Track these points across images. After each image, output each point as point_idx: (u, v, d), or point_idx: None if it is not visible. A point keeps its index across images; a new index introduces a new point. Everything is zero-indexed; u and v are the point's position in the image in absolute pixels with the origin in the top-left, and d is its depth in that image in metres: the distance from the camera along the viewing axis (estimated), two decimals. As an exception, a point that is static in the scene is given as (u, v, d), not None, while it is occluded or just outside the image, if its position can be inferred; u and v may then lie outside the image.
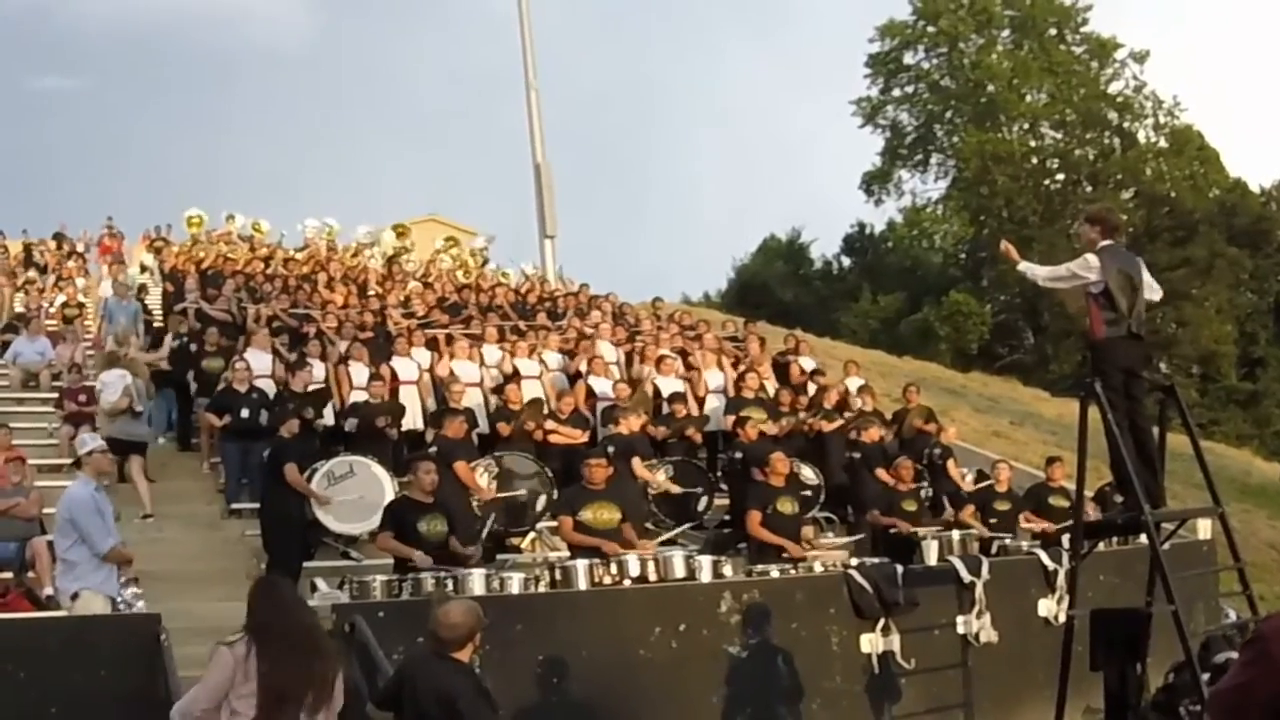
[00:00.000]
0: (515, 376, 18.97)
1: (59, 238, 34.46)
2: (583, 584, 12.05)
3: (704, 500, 17.64)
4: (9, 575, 13.57)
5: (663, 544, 14.94)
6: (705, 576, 12.69)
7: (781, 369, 21.79)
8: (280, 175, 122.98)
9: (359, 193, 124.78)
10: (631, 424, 16.70)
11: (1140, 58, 63.93)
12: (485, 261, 35.70)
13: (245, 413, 16.82)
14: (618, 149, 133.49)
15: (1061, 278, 10.78)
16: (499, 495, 15.86)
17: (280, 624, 7.10)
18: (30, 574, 13.50)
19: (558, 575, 12.25)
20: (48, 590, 12.96)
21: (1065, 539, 14.50)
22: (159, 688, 9.64)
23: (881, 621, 13.13)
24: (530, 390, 18.77)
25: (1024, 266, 11.17)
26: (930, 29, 64.99)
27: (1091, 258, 10.36)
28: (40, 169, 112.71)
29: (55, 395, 19.74)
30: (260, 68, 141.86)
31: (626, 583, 12.17)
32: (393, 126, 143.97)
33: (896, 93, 67.01)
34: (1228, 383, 56.85)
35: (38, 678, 9.63)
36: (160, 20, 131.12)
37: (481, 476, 15.74)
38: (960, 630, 13.79)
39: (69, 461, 17.78)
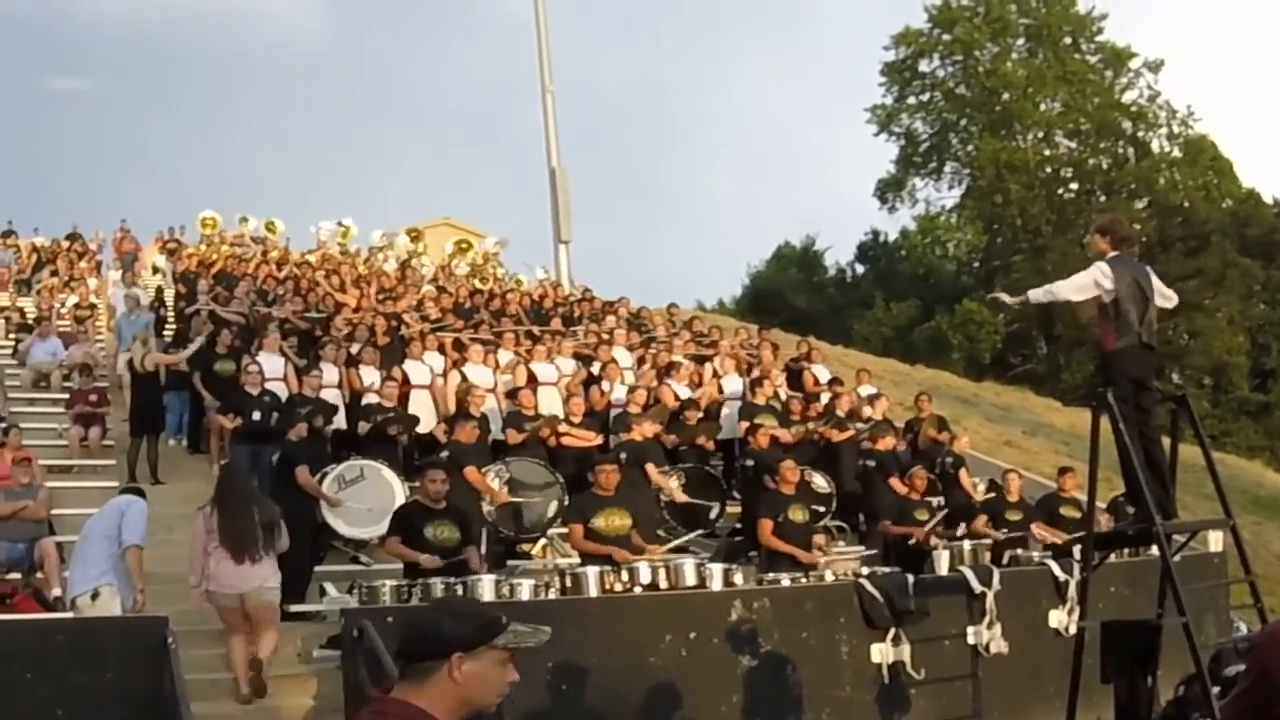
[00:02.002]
0: (531, 382, 18.94)
1: (72, 238, 34.52)
2: (593, 591, 12.00)
3: (716, 508, 17.62)
4: (17, 576, 13.59)
5: (672, 551, 14.91)
6: (716, 585, 12.65)
7: (794, 376, 21.78)
8: (294, 177, 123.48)
9: (373, 196, 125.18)
10: (644, 430, 16.67)
11: (1154, 67, 64.01)
12: (499, 266, 35.61)
13: (256, 415, 16.77)
14: (633, 155, 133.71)
15: (1085, 287, 10.65)
16: (511, 500, 15.86)
17: (231, 496, 11.84)
18: (39, 575, 13.53)
19: (568, 582, 12.21)
20: (55, 591, 13.01)
21: (1076, 549, 14.47)
22: (165, 690, 9.64)
23: (892, 631, 13.09)
24: (547, 396, 18.76)
25: (1033, 293, 11.05)
26: (945, 37, 65.02)
27: (1104, 267, 10.30)
28: (55, 170, 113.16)
29: (66, 396, 19.78)
30: (275, 70, 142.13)
31: (637, 590, 12.12)
32: (407, 130, 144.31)
33: (911, 101, 67.02)
34: (1239, 394, 56.70)
35: (44, 679, 9.63)
36: (176, 22, 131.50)
37: (492, 482, 15.72)
38: (971, 640, 13.74)
39: (79, 462, 17.98)
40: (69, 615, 11.48)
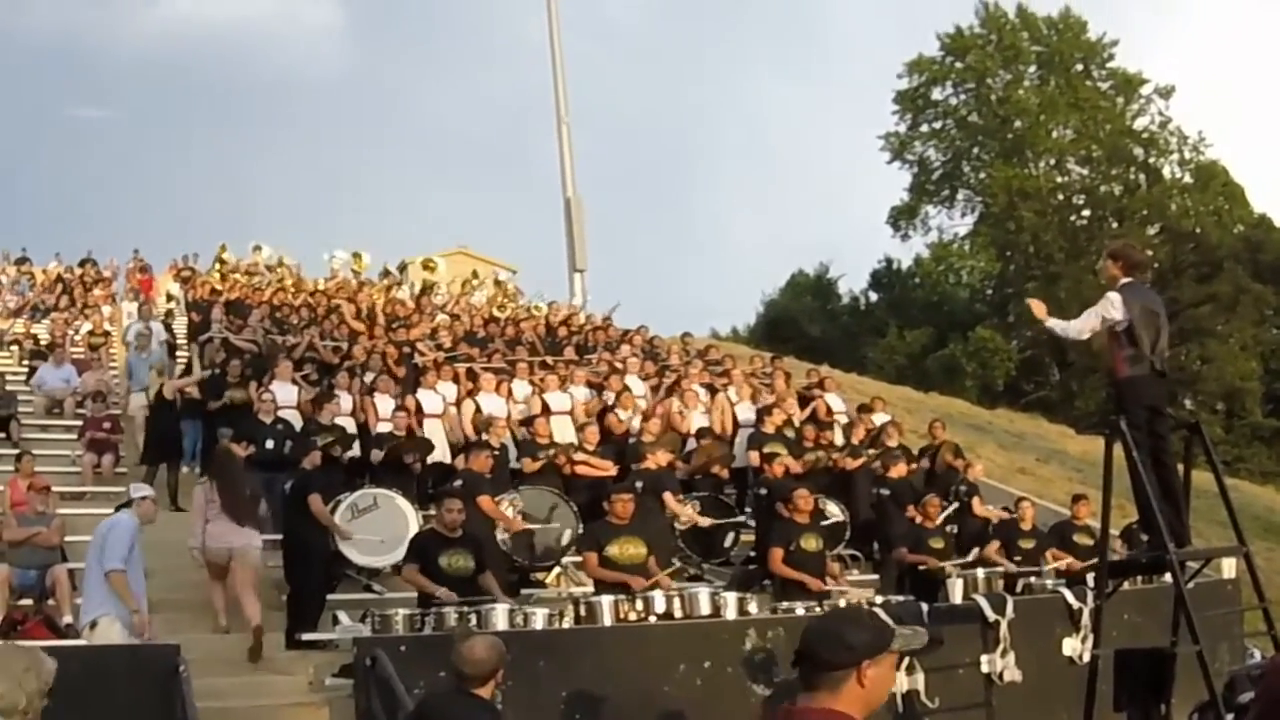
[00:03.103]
0: (545, 411, 18.93)
1: (86, 263, 34.62)
2: (607, 620, 11.99)
3: (731, 536, 17.58)
4: (29, 603, 13.60)
5: (690, 579, 14.88)
6: (730, 613, 12.63)
7: (807, 404, 21.73)
8: (310, 206, 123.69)
9: (389, 224, 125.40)
10: (659, 459, 16.66)
11: (1165, 93, 64.22)
12: (518, 295, 35.63)
13: (270, 443, 16.80)
14: (649, 182, 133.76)
15: (1091, 326, 10.70)
16: (526, 526, 15.83)
17: (224, 474, 14.13)
18: (50, 601, 13.54)
19: (582, 611, 12.19)
20: (67, 618, 13.01)
21: (1090, 577, 14.44)
22: (177, 718, 9.62)
23: (906, 660, 13.05)
24: (560, 425, 18.74)
25: (1051, 323, 11.09)
26: (958, 65, 65.23)
27: (1114, 296, 10.32)
28: (73, 197, 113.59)
29: (79, 423, 19.79)
30: (292, 98, 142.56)
31: (652, 619, 12.10)
32: (424, 159, 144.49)
33: (924, 128, 67.20)
34: (1252, 419, 56.65)
35: (55, 707, 9.56)
36: (194, 51, 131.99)
37: (506, 510, 15.70)
38: (984, 669, 13.69)
39: (91, 489, 17.98)
40: (80, 643, 11.48)
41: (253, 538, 13.71)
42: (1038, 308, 11.24)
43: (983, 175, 65.62)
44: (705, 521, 17.16)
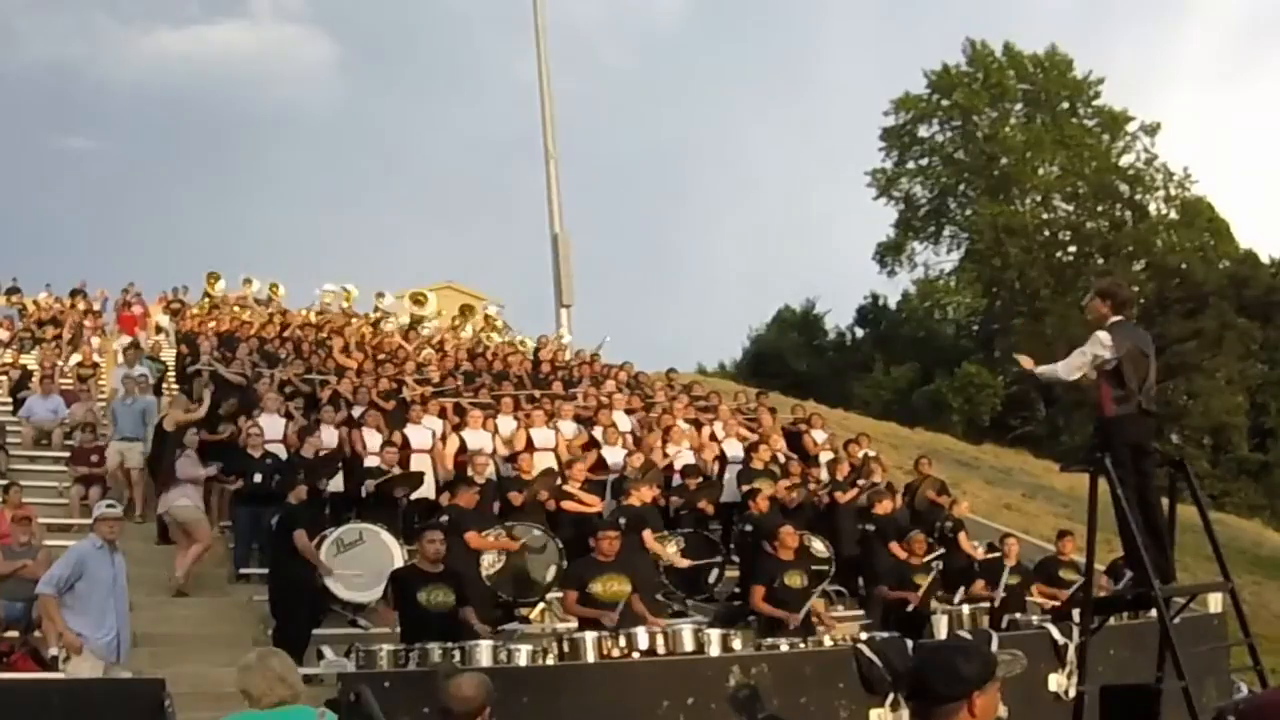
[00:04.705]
0: (529, 446, 18.91)
1: (76, 294, 34.54)
2: (591, 656, 11.98)
3: (715, 572, 17.56)
4: (15, 634, 13.55)
5: (674, 615, 14.85)
6: (714, 650, 12.61)
7: (793, 440, 21.73)
8: (300, 240, 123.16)
9: (378, 259, 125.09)
10: (643, 495, 16.64)
11: (1151, 130, 64.34)
12: (506, 330, 35.62)
13: (257, 477, 16.78)
14: (636, 219, 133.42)
15: (1081, 366, 10.70)
16: (519, 544, 15.85)
17: (159, 444, 16.04)
18: (36, 633, 13.49)
19: (565, 647, 12.19)
20: (53, 650, 12.96)
21: (1076, 613, 14.44)
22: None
23: (890, 696, 13.03)
24: (545, 460, 18.72)
25: (1041, 371, 11.13)
26: (944, 102, 65.35)
27: (1104, 335, 10.33)
28: (64, 228, 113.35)
29: (67, 454, 19.74)
30: (283, 133, 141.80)
31: (635, 655, 12.09)
32: (413, 193, 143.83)
33: (910, 165, 67.26)
34: (1239, 454, 56.68)
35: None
36: (186, 84, 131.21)
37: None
38: (969, 706, 13.64)
39: (79, 521, 17.95)
40: (62, 676, 11.45)
41: (174, 499, 16.10)
42: (1026, 362, 11.29)
43: (969, 212, 65.72)
44: (682, 563, 17.17)
